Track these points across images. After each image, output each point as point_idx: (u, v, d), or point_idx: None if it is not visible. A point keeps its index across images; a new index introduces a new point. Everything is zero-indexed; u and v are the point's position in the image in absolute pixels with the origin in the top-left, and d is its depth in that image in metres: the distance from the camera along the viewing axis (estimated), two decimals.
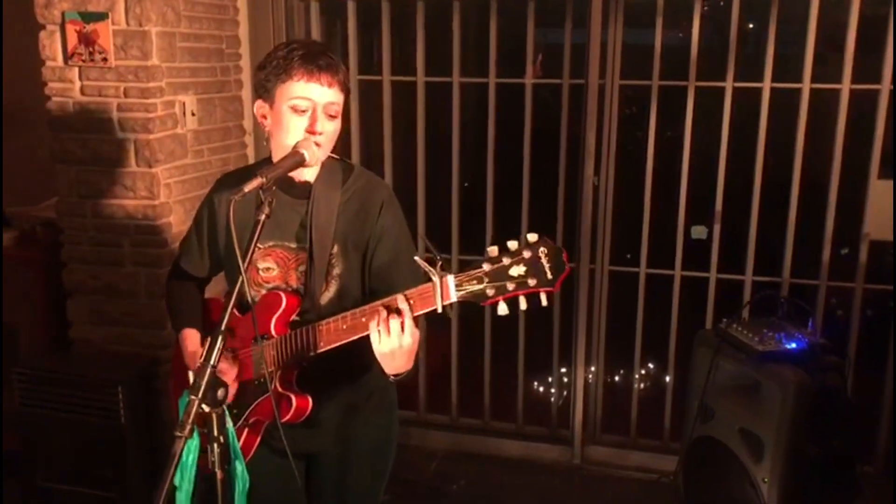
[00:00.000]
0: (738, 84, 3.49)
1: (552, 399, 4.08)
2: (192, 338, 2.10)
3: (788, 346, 2.84)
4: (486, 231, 3.83)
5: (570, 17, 3.58)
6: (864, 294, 3.54)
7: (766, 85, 3.45)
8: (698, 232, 3.77)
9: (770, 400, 2.79)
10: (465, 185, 4.03)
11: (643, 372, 4.08)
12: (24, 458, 3.28)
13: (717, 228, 3.63)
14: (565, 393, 4.03)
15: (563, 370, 4.03)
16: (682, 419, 3.36)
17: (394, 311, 1.73)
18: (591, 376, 3.88)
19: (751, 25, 3.51)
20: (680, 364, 3.66)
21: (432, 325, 4.04)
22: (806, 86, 3.42)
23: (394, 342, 1.73)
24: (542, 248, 1.62)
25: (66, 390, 3.16)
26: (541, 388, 4.31)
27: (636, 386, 3.91)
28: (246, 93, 3.76)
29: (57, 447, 3.22)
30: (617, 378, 4.36)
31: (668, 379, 3.85)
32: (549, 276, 1.62)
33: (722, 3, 3.82)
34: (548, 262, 1.62)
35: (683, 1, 3.51)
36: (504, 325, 3.89)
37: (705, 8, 3.86)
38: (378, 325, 1.73)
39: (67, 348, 3.46)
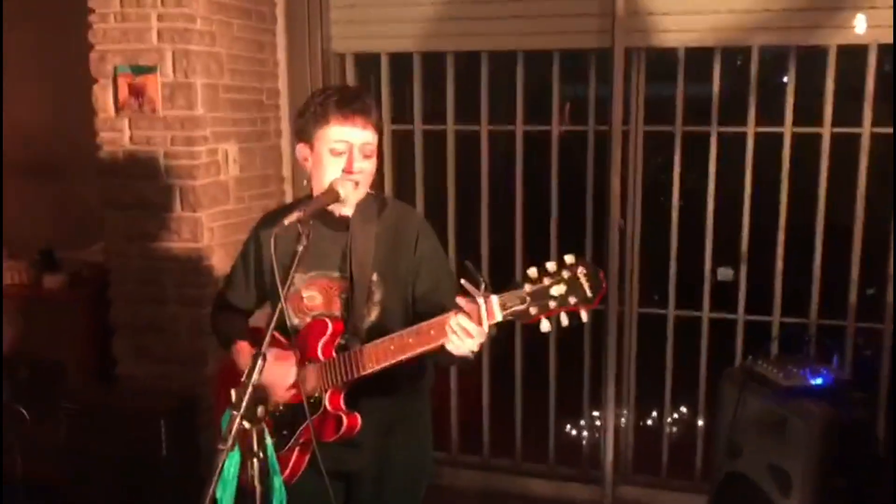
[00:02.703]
0: (759, 129, 3.58)
1: (583, 440, 4.11)
2: (245, 350, 2.19)
3: (814, 382, 2.87)
4: (515, 274, 3.92)
5: (594, 69, 3.72)
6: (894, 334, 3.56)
7: (788, 130, 3.54)
8: (724, 274, 3.83)
9: (797, 435, 2.81)
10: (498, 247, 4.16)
11: (674, 414, 4.11)
12: (71, 491, 3.39)
13: (743, 270, 3.69)
14: (596, 435, 4.06)
15: (595, 413, 4.07)
16: (712, 459, 3.37)
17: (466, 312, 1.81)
18: (622, 417, 3.92)
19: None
20: (710, 405, 3.68)
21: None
22: (826, 130, 3.50)
23: (471, 344, 1.83)
24: (580, 269, 1.74)
25: (111, 424, 3.28)
26: (572, 430, 4.34)
27: (667, 427, 3.94)
28: (284, 142, 3.93)
29: (101, 479, 3.32)
30: (648, 419, 4.38)
31: (698, 420, 3.87)
32: (589, 293, 1.73)
33: (740, 62, 3.96)
34: (586, 280, 1.73)
35: (705, 53, 3.63)
36: (535, 367, 4.01)
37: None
38: (454, 331, 1.82)
39: (112, 384, 3.59)
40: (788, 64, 3.50)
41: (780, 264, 3.64)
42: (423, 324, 1.89)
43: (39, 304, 3.71)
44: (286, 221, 1.85)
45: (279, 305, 1.82)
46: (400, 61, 3.98)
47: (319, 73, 3.88)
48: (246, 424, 1.74)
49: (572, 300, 1.73)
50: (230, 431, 1.69)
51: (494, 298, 1.78)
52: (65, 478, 3.41)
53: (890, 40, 3.34)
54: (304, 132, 2.08)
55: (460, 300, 1.82)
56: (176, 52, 3.28)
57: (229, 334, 2.28)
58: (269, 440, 1.83)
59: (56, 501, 3.45)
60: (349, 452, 2.15)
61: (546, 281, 1.74)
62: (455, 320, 1.81)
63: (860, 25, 3.33)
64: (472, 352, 1.88)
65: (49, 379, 3.60)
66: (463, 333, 1.81)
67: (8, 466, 3.19)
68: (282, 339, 2.12)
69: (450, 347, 1.85)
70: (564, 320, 1.76)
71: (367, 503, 2.27)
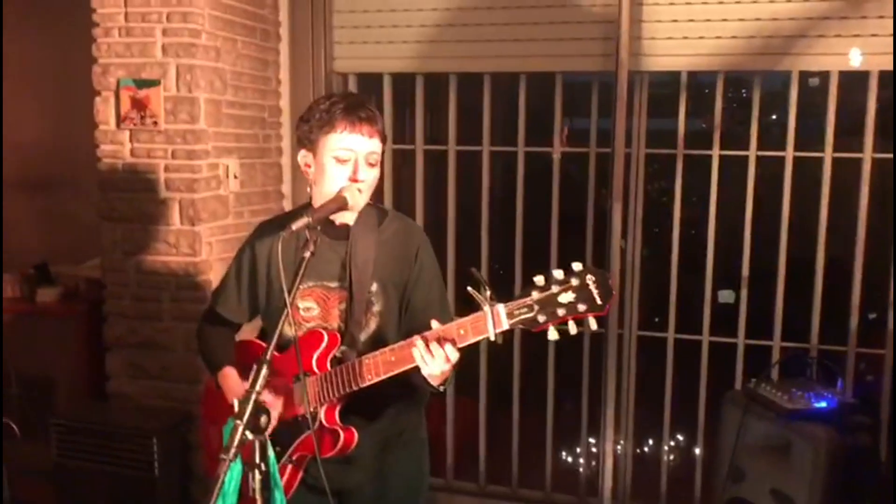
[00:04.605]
0: (761, 153, 3.59)
1: (581, 466, 4.05)
2: (232, 376, 2.14)
3: (818, 405, 2.85)
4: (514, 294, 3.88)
5: (597, 93, 3.73)
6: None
7: (789, 154, 3.55)
8: (726, 296, 3.81)
9: (801, 459, 2.78)
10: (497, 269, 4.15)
11: (673, 440, 4.06)
12: None
13: (744, 294, 3.67)
14: (594, 463, 4.01)
15: (592, 440, 4.02)
16: (712, 485, 3.33)
17: (440, 338, 1.80)
18: (620, 443, 3.87)
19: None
20: (709, 431, 3.65)
21: (460, 392, 4.08)
22: (828, 155, 3.51)
23: (442, 365, 1.81)
24: (588, 276, 1.71)
25: (102, 441, 3.22)
26: (569, 457, 4.29)
27: (665, 455, 3.89)
28: (285, 159, 3.91)
29: (91, 498, 3.25)
30: (646, 444, 4.33)
31: (697, 447, 3.83)
32: (599, 301, 1.70)
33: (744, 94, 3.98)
34: (596, 288, 1.70)
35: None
36: (533, 391, 3.96)
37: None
38: (423, 353, 1.81)
39: (105, 401, 3.53)
40: (790, 90, 3.52)
41: (781, 288, 3.63)
42: (430, 332, 1.85)
43: (33, 318, 3.66)
44: (294, 227, 1.80)
45: (284, 312, 1.78)
46: (402, 82, 3.98)
47: (322, 93, 3.87)
48: (249, 435, 1.70)
49: (581, 307, 1.70)
50: (233, 440, 1.64)
51: (500, 307, 1.76)
52: (54, 497, 3.33)
53: (890, 67, 3.37)
54: (307, 139, 2.04)
55: (434, 322, 1.83)
56: (180, 66, 3.27)
57: (213, 361, 2.22)
58: (271, 452, 1.79)
59: None
60: (344, 469, 2.10)
61: (554, 288, 1.72)
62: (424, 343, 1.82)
63: (860, 53, 3.35)
64: (439, 381, 1.90)
65: (40, 395, 3.53)
66: (429, 356, 1.81)
67: None
68: (276, 353, 2.07)
69: (421, 366, 1.85)
70: (572, 329, 1.73)
71: None
